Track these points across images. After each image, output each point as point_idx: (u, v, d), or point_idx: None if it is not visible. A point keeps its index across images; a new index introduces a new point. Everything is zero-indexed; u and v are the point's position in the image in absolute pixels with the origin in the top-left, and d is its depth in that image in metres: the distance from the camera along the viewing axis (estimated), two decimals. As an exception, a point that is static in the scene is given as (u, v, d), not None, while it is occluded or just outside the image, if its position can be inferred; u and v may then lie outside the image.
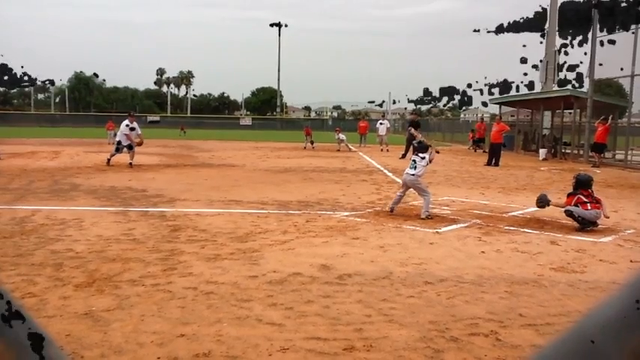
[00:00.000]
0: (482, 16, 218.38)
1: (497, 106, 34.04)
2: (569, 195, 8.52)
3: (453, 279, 5.60)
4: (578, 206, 8.18)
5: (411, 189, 9.39)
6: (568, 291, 5.32)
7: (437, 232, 7.91)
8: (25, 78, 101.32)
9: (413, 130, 21.67)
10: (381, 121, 31.40)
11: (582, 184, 8.45)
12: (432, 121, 64.64)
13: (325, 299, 4.88)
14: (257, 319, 4.38)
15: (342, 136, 28.75)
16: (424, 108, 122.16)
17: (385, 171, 17.10)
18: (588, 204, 8.17)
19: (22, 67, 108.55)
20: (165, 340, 3.92)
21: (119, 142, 17.33)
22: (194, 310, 4.54)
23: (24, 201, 10.00)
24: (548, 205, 8.64)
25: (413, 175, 9.09)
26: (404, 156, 22.16)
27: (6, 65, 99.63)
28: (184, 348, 3.81)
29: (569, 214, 8.23)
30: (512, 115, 42.00)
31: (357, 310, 4.61)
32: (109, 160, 17.25)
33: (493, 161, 20.64)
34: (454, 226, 8.37)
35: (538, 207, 8.88)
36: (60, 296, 4.80)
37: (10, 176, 13.74)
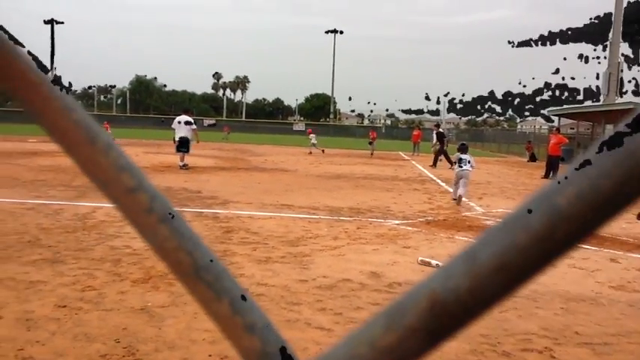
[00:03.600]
0: (542, 24, 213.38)
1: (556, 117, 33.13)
2: None
3: (506, 293, 5.48)
4: None
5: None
6: (628, 310, 5.12)
7: (490, 244, 7.75)
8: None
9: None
10: (435, 130, 31.01)
11: None
12: (487, 131, 63.40)
13: (375, 307, 4.87)
14: (306, 322, 4.42)
15: (312, 136, 30.12)
16: (480, 118, 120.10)
17: (438, 181, 16.88)
18: None
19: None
20: (217, 339, 4.00)
21: (180, 140, 16.55)
22: (245, 311, 4.61)
23: (86, 198, 10.38)
24: None
25: (469, 169, 11.41)
26: (440, 162, 23.76)
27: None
28: (235, 347, 3.88)
29: None
30: (571, 128, 40.76)
31: (406, 319, 4.58)
32: (183, 164, 16.70)
33: (551, 174, 20.07)
34: (508, 239, 8.18)
35: None
36: (118, 291, 4.98)
37: (74, 174, 14.31)
